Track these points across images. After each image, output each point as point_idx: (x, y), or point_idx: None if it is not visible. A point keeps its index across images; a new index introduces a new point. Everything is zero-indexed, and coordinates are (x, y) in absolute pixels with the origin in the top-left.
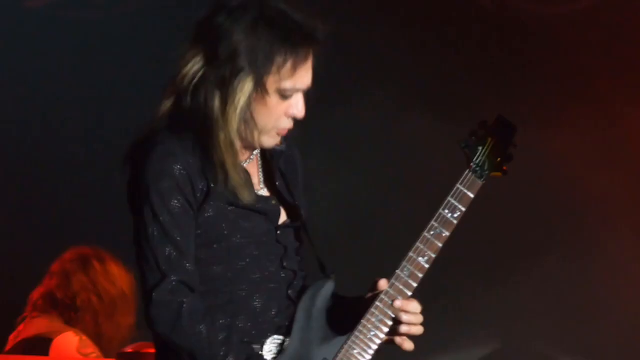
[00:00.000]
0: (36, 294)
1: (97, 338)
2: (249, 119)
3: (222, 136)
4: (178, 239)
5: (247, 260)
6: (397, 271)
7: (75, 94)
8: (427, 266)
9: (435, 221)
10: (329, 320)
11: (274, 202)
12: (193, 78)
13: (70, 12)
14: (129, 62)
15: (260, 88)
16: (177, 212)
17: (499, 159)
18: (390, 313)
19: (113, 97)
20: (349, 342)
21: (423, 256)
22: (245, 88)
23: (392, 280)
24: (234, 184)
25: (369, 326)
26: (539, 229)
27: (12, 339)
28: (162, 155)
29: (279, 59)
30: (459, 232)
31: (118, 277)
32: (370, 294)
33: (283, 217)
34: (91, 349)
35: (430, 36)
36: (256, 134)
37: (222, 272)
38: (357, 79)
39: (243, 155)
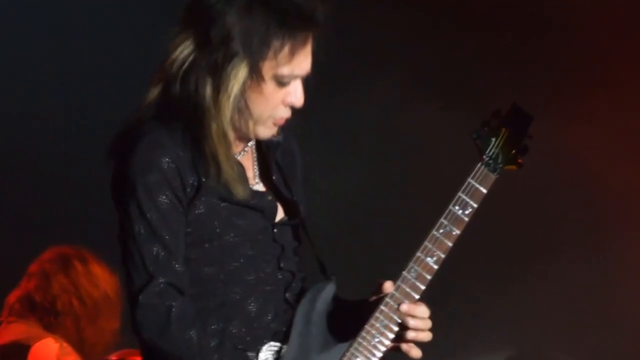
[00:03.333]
0: (13, 297)
1: (79, 344)
2: (243, 108)
3: (214, 126)
4: (166, 237)
5: (241, 260)
6: (404, 272)
7: (56, 81)
8: (435, 267)
9: (445, 218)
10: (329, 326)
11: (270, 197)
12: (182, 63)
13: None
14: (114, 47)
15: (255, 74)
16: (166, 208)
17: (513, 151)
18: (395, 318)
19: (96, 85)
20: (352, 349)
21: (431, 256)
22: (239, 74)
23: (398, 283)
24: (227, 178)
25: (373, 332)
26: (556, 228)
27: None
28: (149, 147)
29: (275, 43)
30: (470, 230)
31: (101, 279)
32: (374, 297)
33: (280, 214)
34: (72, 357)
35: (438, 19)
36: (251, 124)
37: (214, 274)
38: (360, 65)
39: (237, 147)
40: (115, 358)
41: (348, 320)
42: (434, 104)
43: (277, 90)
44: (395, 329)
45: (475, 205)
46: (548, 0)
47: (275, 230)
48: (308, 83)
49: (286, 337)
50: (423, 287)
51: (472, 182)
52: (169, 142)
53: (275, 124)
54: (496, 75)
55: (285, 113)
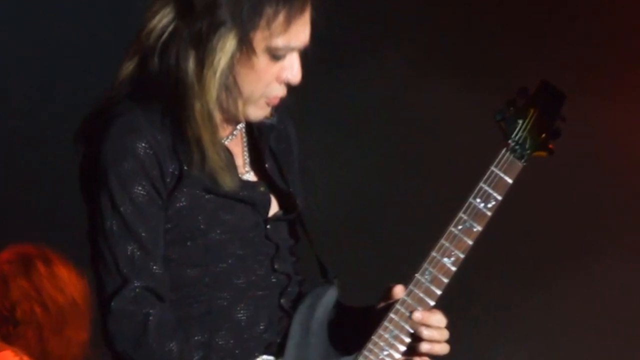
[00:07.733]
0: None
1: (42, 358)
2: (231, 85)
3: (197, 106)
4: (143, 234)
5: (229, 261)
6: (417, 275)
7: (15, 55)
8: (453, 269)
9: (464, 213)
10: (330, 336)
11: (262, 188)
12: (161, 34)
13: None
14: (82, 16)
15: (245, 46)
16: (142, 201)
17: (543, 135)
18: (407, 327)
19: (62, 60)
20: None
21: (449, 256)
22: (226, 46)
23: (410, 287)
24: (213, 166)
25: (381, 344)
26: (592, 223)
27: None
28: (123, 131)
29: (268, 10)
30: (493, 226)
31: (68, 283)
32: (382, 304)
33: (274, 208)
34: None
35: None
36: (240, 104)
37: (198, 276)
38: (366, 36)
39: (224, 131)
40: None
41: (352, 330)
42: (452, 80)
43: (270, 64)
44: (407, 340)
45: (499, 198)
46: None
47: (268, 227)
48: (306, 57)
49: (281, 350)
50: (439, 292)
51: (496, 170)
52: (146, 125)
53: (268, 104)
54: (523, 48)
55: (280, 91)
